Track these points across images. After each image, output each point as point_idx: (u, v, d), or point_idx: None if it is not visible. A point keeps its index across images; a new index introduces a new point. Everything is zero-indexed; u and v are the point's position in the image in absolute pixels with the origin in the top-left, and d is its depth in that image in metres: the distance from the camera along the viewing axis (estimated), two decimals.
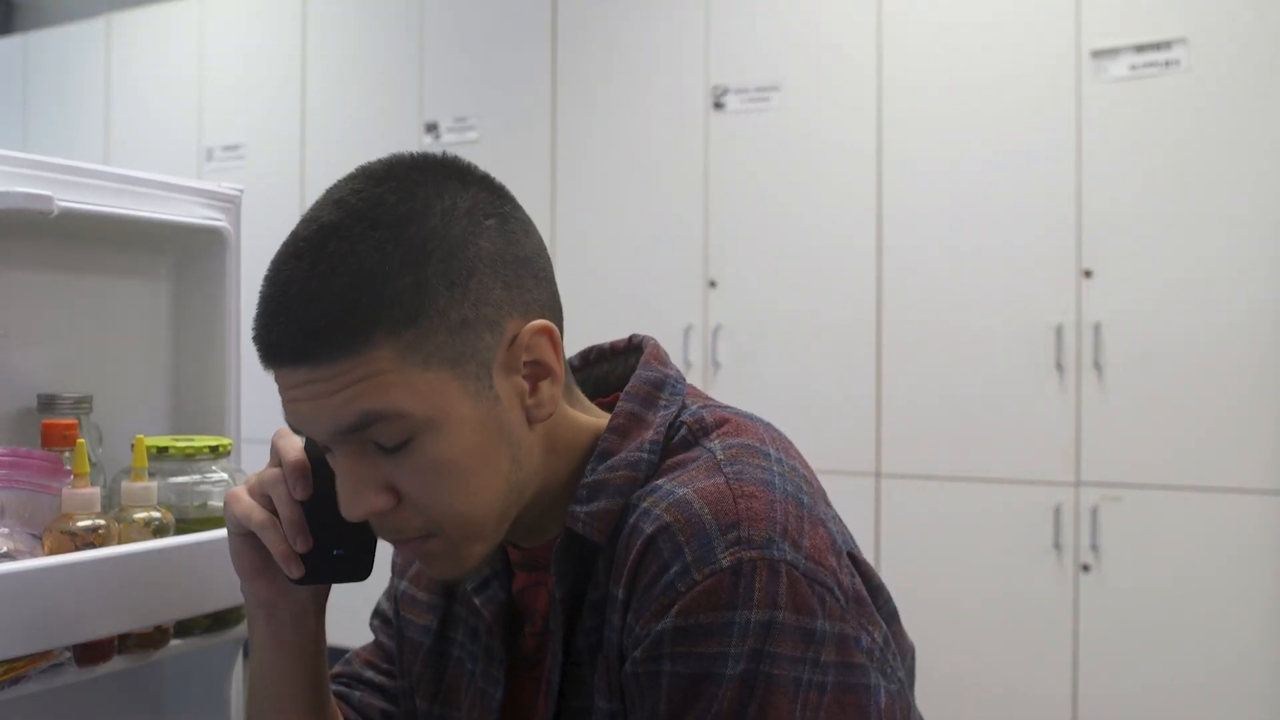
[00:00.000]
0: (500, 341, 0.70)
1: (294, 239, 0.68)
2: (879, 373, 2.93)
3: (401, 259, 0.66)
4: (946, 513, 2.83)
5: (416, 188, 0.69)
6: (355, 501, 0.69)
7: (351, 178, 0.71)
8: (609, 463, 0.73)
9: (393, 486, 0.69)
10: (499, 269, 0.70)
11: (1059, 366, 2.71)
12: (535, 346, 0.71)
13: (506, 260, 0.70)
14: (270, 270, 0.69)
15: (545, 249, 0.75)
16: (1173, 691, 2.58)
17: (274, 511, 0.75)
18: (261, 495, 0.76)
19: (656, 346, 0.82)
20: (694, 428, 0.75)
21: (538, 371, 0.72)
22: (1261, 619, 2.51)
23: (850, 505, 3.02)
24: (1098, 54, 2.69)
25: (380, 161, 0.72)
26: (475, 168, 0.74)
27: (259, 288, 0.69)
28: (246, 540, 0.76)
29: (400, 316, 0.66)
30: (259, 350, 0.69)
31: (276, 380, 0.69)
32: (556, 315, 0.74)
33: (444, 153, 0.73)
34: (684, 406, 0.77)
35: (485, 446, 0.70)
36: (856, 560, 0.73)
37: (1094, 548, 2.66)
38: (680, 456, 0.73)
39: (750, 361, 3.08)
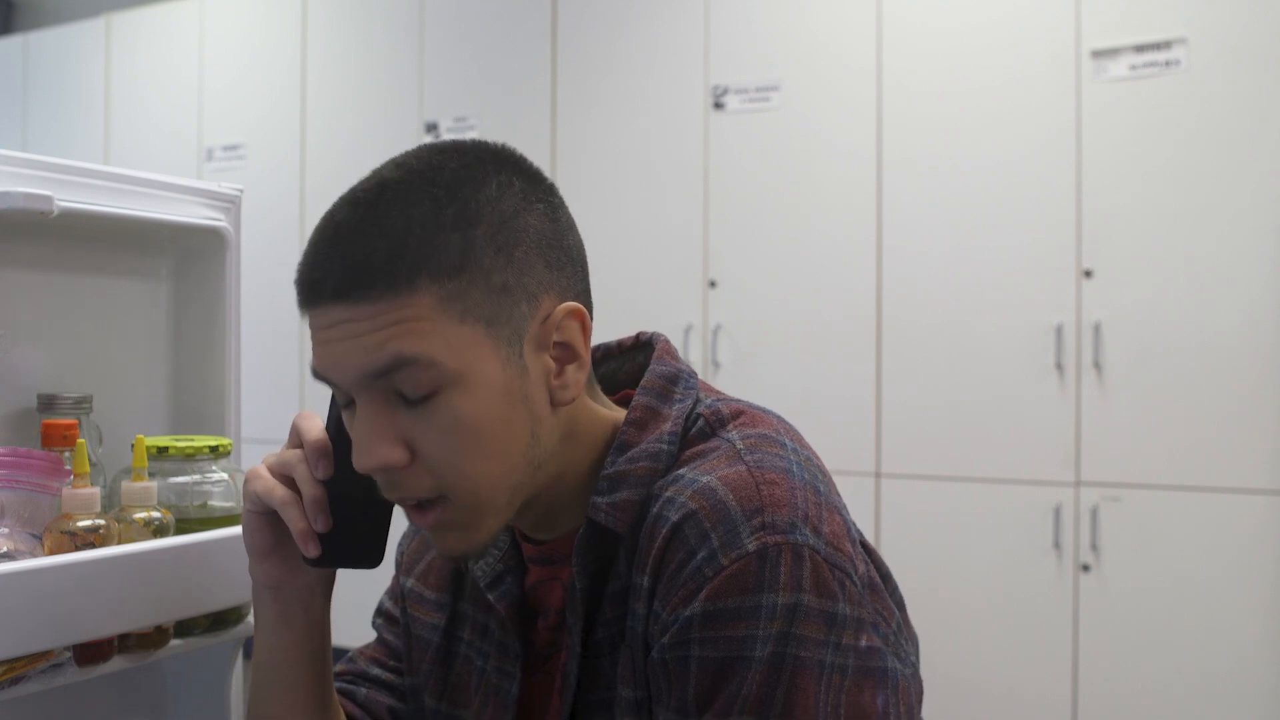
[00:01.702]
0: (535, 315, 0.71)
1: (351, 191, 0.71)
2: (879, 373, 2.93)
3: (454, 216, 0.68)
4: (946, 513, 2.83)
5: (476, 162, 0.71)
6: (370, 451, 0.69)
7: (414, 148, 0.73)
8: (629, 454, 0.74)
9: (409, 442, 0.69)
10: (544, 249, 0.72)
11: (1059, 366, 2.71)
12: (566, 328, 0.72)
13: (552, 243, 0.72)
14: (323, 217, 0.70)
15: (584, 248, 0.77)
16: (1173, 691, 2.58)
17: (294, 490, 0.76)
18: (282, 474, 0.76)
19: (667, 343, 0.83)
20: (711, 419, 0.76)
21: (566, 354, 0.73)
22: (1261, 619, 2.51)
23: (850, 505, 3.00)
24: (1098, 54, 2.69)
25: (442, 140, 0.74)
26: (531, 161, 0.76)
27: (309, 235, 0.71)
28: (263, 518, 0.77)
29: (445, 266, 0.67)
30: (300, 289, 0.70)
31: (311, 322, 0.70)
32: (588, 308, 0.75)
33: (503, 143, 0.75)
34: (698, 400, 0.78)
35: (508, 413, 0.70)
36: (867, 549, 0.74)
37: (1094, 548, 2.66)
38: (699, 447, 0.74)
39: (750, 361, 3.08)
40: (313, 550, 0.75)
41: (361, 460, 0.69)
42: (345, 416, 0.73)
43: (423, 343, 0.67)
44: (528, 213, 0.71)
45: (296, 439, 0.77)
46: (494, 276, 0.69)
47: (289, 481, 0.76)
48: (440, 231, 0.67)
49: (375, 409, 0.69)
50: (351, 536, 0.76)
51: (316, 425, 0.77)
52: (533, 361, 0.71)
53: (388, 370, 0.67)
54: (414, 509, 0.72)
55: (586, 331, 0.73)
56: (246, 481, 0.77)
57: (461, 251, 0.68)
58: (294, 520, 0.75)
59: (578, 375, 0.73)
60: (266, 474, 0.77)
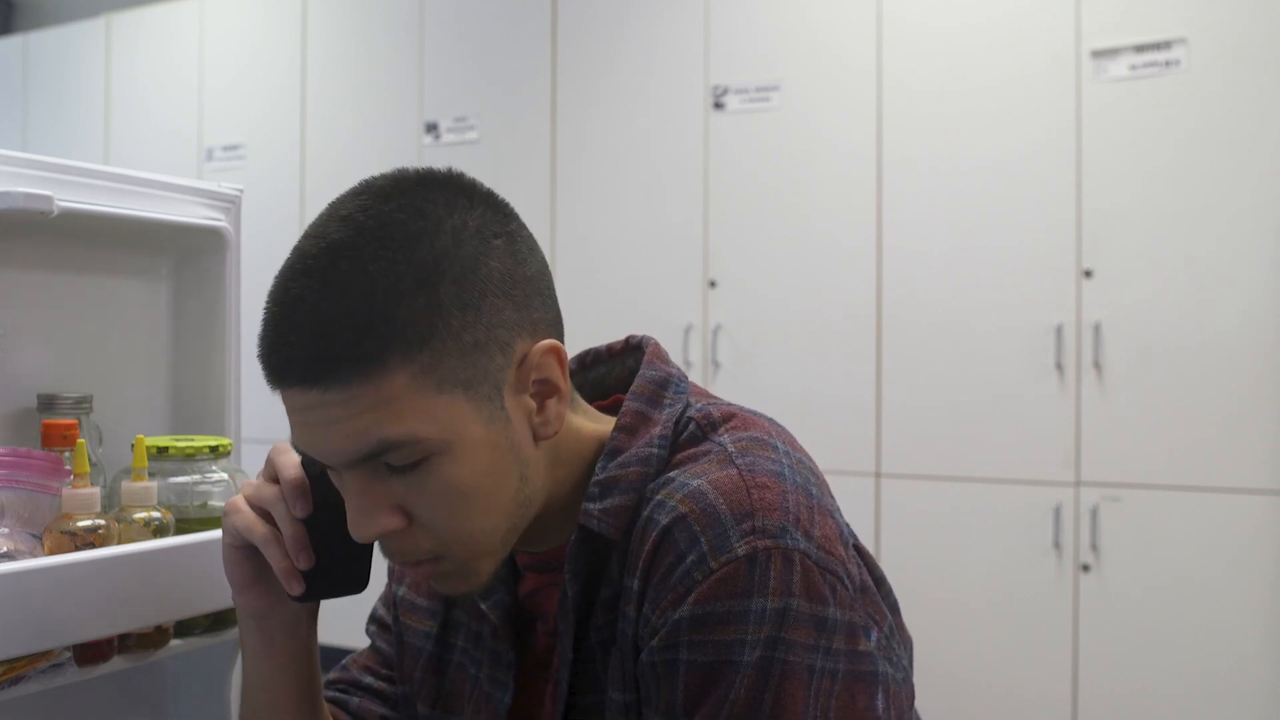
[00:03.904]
0: (510, 362, 0.70)
1: (301, 256, 0.67)
2: (879, 373, 2.93)
3: (414, 279, 0.65)
4: (946, 513, 2.83)
5: (425, 205, 0.68)
6: (366, 523, 0.68)
7: (357, 194, 0.69)
8: (619, 460, 0.74)
9: (403, 507, 0.69)
10: (509, 289, 0.69)
11: (1059, 366, 2.71)
12: (544, 366, 0.71)
13: (515, 280, 0.70)
14: (277, 288, 0.67)
15: (547, 266, 0.75)
16: (1173, 691, 2.58)
17: (274, 526, 0.75)
18: (261, 510, 0.75)
19: (657, 346, 0.82)
20: (702, 423, 0.76)
21: (545, 390, 0.72)
22: (1261, 619, 2.51)
23: (850, 505, 3.00)
24: (1098, 54, 2.69)
25: (385, 177, 0.70)
26: (480, 184, 0.72)
27: (263, 304, 0.68)
28: (243, 552, 0.76)
29: (414, 339, 0.65)
30: (266, 370, 0.67)
31: (284, 400, 0.68)
32: (560, 333, 0.74)
33: (449, 168, 0.72)
34: (689, 404, 0.78)
35: (496, 466, 0.70)
36: (861, 552, 0.74)
37: (1094, 548, 2.66)
38: (691, 450, 0.74)
39: (750, 361, 3.08)
40: (296, 588, 0.74)
41: (360, 532, 0.69)
42: (332, 475, 0.72)
43: (404, 423, 0.65)
44: (487, 255, 0.68)
45: (272, 472, 0.76)
46: (464, 335, 0.67)
47: (268, 517, 0.75)
48: (402, 299, 0.64)
49: (366, 483, 0.68)
50: (334, 567, 0.75)
51: (292, 460, 0.75)
52: (513, 407, 0.70)
53: (373, 455, 0.66)
54: (410, 565, 0.72)
55: (563, 363, 0.72)
56: (225, 515, 0.76)
57: (427, 317, 0.65)
58: (276, 559, 0.74)
59: (559, 408, 0.72)
60: (246, 508, 0.75)
